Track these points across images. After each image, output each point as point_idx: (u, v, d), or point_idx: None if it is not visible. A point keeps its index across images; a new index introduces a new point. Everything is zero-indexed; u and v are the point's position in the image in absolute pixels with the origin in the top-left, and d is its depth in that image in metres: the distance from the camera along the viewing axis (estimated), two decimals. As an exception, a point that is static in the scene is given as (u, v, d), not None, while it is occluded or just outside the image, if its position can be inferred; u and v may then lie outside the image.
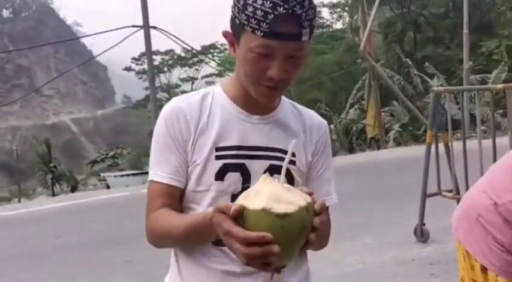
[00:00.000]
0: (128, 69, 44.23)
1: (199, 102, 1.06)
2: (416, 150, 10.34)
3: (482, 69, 17.58)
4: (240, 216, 0.79)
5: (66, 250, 4.94)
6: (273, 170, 1.01)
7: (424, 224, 4.07)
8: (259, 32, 0.92)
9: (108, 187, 17.83)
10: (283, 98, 1.11)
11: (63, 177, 28.61)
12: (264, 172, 1.00)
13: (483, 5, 22.19)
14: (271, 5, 0.89)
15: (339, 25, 30.99)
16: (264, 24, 0.90)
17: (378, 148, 13.34)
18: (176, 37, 11.15)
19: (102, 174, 24.97)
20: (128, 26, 11.06)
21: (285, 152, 0.90)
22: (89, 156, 56.80)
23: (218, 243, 0.97)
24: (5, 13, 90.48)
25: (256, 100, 1.02)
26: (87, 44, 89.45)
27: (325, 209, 0.83)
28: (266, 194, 0.77)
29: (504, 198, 1.37)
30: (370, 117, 13.88)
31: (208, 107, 1.05)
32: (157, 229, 1.03)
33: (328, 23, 31.33)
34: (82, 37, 67.80)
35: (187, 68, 42.16)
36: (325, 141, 1.14)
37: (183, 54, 39.51)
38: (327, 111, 19.00)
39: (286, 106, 1.10)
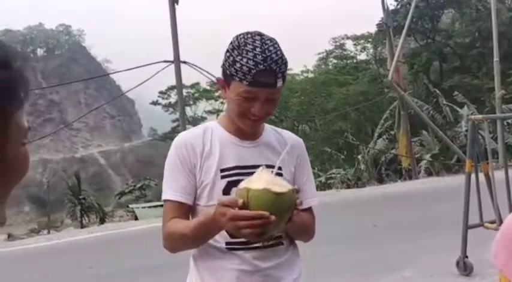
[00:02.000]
0: (155, 103, 45.28)
1: (202, 134, 1.33)
2: (449, 181, 10.08)
3: (512, 98, 17.22)
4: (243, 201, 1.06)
5: (98, 281, 4.94)
6: None
7: (467, 256, 3.90)
8: (245, 82, 1.21)
9: (136, 218, 17.93)
10: (265, 124, 1.40)
11: (91, 209, 29.00)
12: None
13: (510, 34, 21.99)
14: (253, 63, 1.19)
15: (362, 56, 31.14)
16: (249, 76, 1.20)
17: (410, 178, 13.03)
18: (206, 71, 11.41)
19: (130, 206, 25.18)
20: (159, 62, 11.38)
21: (273, 167, 1.19)
22: (116, 188, 57.59)
23: (230, 247, 1.27)
24: (40, 52, 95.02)
25: (242, 129, 1.31)
26: (116, 80, 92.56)
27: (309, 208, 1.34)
28: (265, 179, 1.08)
29: None
30: (403, 147, 13.65)
31: (209, 138, 1.32)
32: (170, 234, 1.28)
33: (352, 54, 31.53)
34: (111, 74, 70.17)
35: (212, 100, 42.90)
36: (303, 155, 1.41)
37: (208, 87, 40.29)
38: (353, 141, 18.84)
39: (269, 130, 1.40)
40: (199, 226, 1.21)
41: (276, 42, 1.25)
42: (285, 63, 1.25)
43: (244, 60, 1.20)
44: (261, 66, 1.19)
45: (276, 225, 1.08)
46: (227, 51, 1.25)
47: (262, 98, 1.23)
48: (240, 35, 1.26)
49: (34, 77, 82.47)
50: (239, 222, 1.07)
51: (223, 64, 1.26)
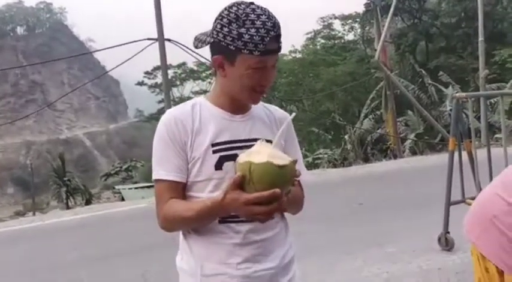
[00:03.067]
0: (141, 83, 44.71)
1: (191, 110, 1.31)
2: (433, 159, 10.21)
3: (495, 78, 17.43)
4: (245, 175, 1.05)
5: (83, 262, 4.92)
6: None
7: (448, 232, 3.97)
8: (256, 52, 1.18)
9: (122, 199, 17.90)
10: None
11: (77, 191, 28.84)
12: None
13: (495, 14, 22.08)
14: (265, 31, 1.18)
15: (350, 36, 31.05)
16: (261, 45, 1.18)
17: (395, 157, 13.18)
18: (191, 50, 11.22)
19: (116, 187, 25.08)
20: (142, 39, 11.14)
21: (267, 141, 1.18)
22: (102, 169, 57.25)
23: (224, 220, 1.25)
24: (20, 30, 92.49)
25: (236, 104, 1.30)
26: (100, 59, 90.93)
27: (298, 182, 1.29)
28: (266, 153, 1.06)
29: None
30: (390, 126, 13.76)
31: (198, 113, 1.30)
32: (171, 215, 1.25)
33: (339, 34, 31.40)
34: (94, 52, 68.71)
35: (199, 81, 42.49)
36: (291, 129, 1.40)
37: (195, 68, 39.85)
38: (340, 121, 18.92)
39: (259, 106, 1.37)
40: (205, 210, 1.19)
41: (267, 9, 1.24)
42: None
43: (253, 30, 1.16)
44: (272, 32, 1.18)
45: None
46: (223, 26, 1.20)
47: (270, 65, 1.23)
48: (231, 7, 1.20)
49: (15, 57, 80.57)
50: (253, 208, 1.07)
51: (220, 42, 1.21)
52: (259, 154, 1.06)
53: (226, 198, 1.10)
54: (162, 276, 3.95)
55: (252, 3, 1.21)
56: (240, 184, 1.09)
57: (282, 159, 1.06)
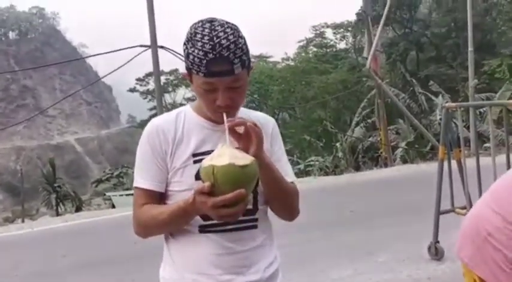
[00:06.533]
0: (133, 90, 44.57)
1: (174, 119, 1.31)
2: (424, 168, 10.28)
3: (484, 88, 17.65)
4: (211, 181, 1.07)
5: (72, 270, 4.87)
6: None
7: (438, 242, 3.99)
8: (200, 74, 1.18)
9: (113, 206, 17.73)
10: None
11: (67, 197, 28.54)
12: None
13: (485, 25, 22.41)
14: (203, 53, 1.15)
15: (342, 45, 31.29)
16: (202, 67, 1.16)
17: (386, 166, 13.24)
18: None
19: (107, 194, 24.86)
20: (135, 46, 11.14)
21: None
22: (93, 175, 56.76)
23: (204, 230, 1.25)
24: (12, 35, 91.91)
25: None
26: (93, 65, 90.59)
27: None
28: (227, 155, 1.08)
29: None
30: (383, 135, 13.85)
31: (182, 122, 1.30)
32: (144, 219, 1.27)
33: (331, 43, 31.64)
34: (87, 57, 68.56)
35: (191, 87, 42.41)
36: (276, 132, 1.40)
37: (187, 75, 39.88)
38: (332, 129, 18.99)
39: (241, 113, 1.33)
40: (178, 212, 1.20)
41: (229, 27, 1.18)
42: (241, 48, 1.17)
43: (196, 51, 1.15)
44: (211, 54, 1.14)
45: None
46: (183, 43, 1.20)
47: (223, 87, 1.19)
48: (193, 24, 1.20)
49: (6, 62, 79.95)
50: (221, 210, 1.08)
51: (184, 57, 1.23)
52: (221, 156, 1.08)
53: (196, 201, 1.12)
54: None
55: (211, 20, 1.19)
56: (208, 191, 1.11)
57: (243, 159, 1.08)
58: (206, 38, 1.15)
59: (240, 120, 1.18)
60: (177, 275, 1.29)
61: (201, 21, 1.20)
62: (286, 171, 1.36)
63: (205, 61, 1.15)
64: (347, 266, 4.05)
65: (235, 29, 1.19)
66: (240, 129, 1.19)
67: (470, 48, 10.60)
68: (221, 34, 1.15)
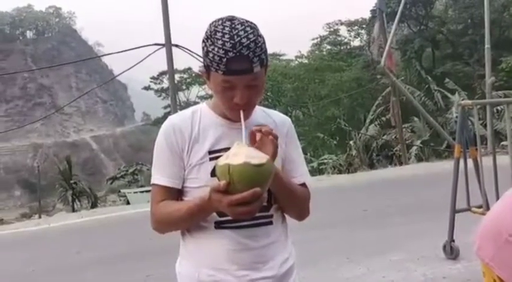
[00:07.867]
0: (147, 88, 44.95)
1: (191, 117, 1.33)
2: (439, 166, 10.16)
3: (502, 85, 17.33)
4: (227, 179, 1.08)
5: (87, 266, 4.94)
6: None
7: (453, 241, 3.94)
8: (220, 71, 1.18)
9: (128, 203, 17.93)
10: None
11: (83, 194, 28.92)
12: None
13: (502, 22, 22.00)
14: (223, 51, 1.16)
15: (356, 42, 31.04)
16: (222, 65, 1.17)
17: (400, 164, 13.11)
18: (199, 55, 11.27)
19: (122, 191, 25.12)
20: (150, 45, 11.23)
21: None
22: (108, 172, 57.44)
23: (219, 226, 1.26)
24: (29, 34, 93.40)
25: None
26: (108, 64, 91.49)
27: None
28: (243, 154, 1.08)
29: None
30: (398, 133, 13.69)
31: (198, 120, 1.32)
32: (162, 216, 1.29)
33: (346, 40, 31.42)
34: (102, 56, 69.33)
35: (205, 85, 42.59)
36: (292, 132, 1.41)
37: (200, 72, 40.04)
38: (346, 127, 18.87)
39: (258, 112, 1.37)
40: (194, 209, 1.22)
41: (249, 25, 1.19)
42: (260, 46, 1.18)
43: (216, 49, 1.16)
44: (231, 53, 1.15)
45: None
46: (202, 41, 1.21)
47: (241, 85, 1.20)
48: (212, 22, 1.21)
49: (24, 60, 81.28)
50: (237, 208, 1.09)
51: (202, 56, 1.23)
52: (237, 156, 1.09)
53: (212, 199, 1.13)
54: (165, 281, 3.96)
55: (231, 18, 1.19)
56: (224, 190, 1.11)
57: (259, 158, 1.09)
58: (227, 36, 1.16)
59: (267, 129, 1.19)
60: (193, 270, 1.30)
61: (221, 19, 1.20)
62: (302, 172, 1.38)
63: (225, 59, 1.16)
64: (360, 264, 4.03)
65: (254, 28, 1.20)
66: (258, 135, 1.21)
67: (487, 45, 10.39)
68: (241, 33, 1.16)
